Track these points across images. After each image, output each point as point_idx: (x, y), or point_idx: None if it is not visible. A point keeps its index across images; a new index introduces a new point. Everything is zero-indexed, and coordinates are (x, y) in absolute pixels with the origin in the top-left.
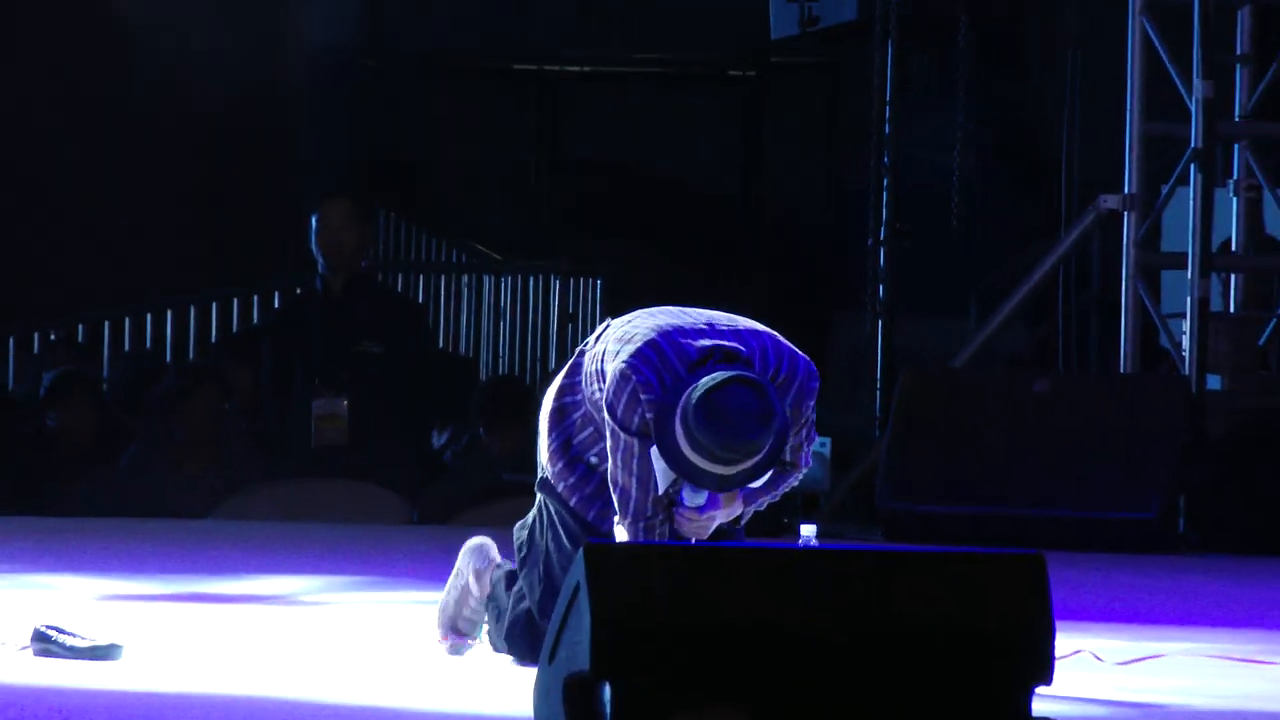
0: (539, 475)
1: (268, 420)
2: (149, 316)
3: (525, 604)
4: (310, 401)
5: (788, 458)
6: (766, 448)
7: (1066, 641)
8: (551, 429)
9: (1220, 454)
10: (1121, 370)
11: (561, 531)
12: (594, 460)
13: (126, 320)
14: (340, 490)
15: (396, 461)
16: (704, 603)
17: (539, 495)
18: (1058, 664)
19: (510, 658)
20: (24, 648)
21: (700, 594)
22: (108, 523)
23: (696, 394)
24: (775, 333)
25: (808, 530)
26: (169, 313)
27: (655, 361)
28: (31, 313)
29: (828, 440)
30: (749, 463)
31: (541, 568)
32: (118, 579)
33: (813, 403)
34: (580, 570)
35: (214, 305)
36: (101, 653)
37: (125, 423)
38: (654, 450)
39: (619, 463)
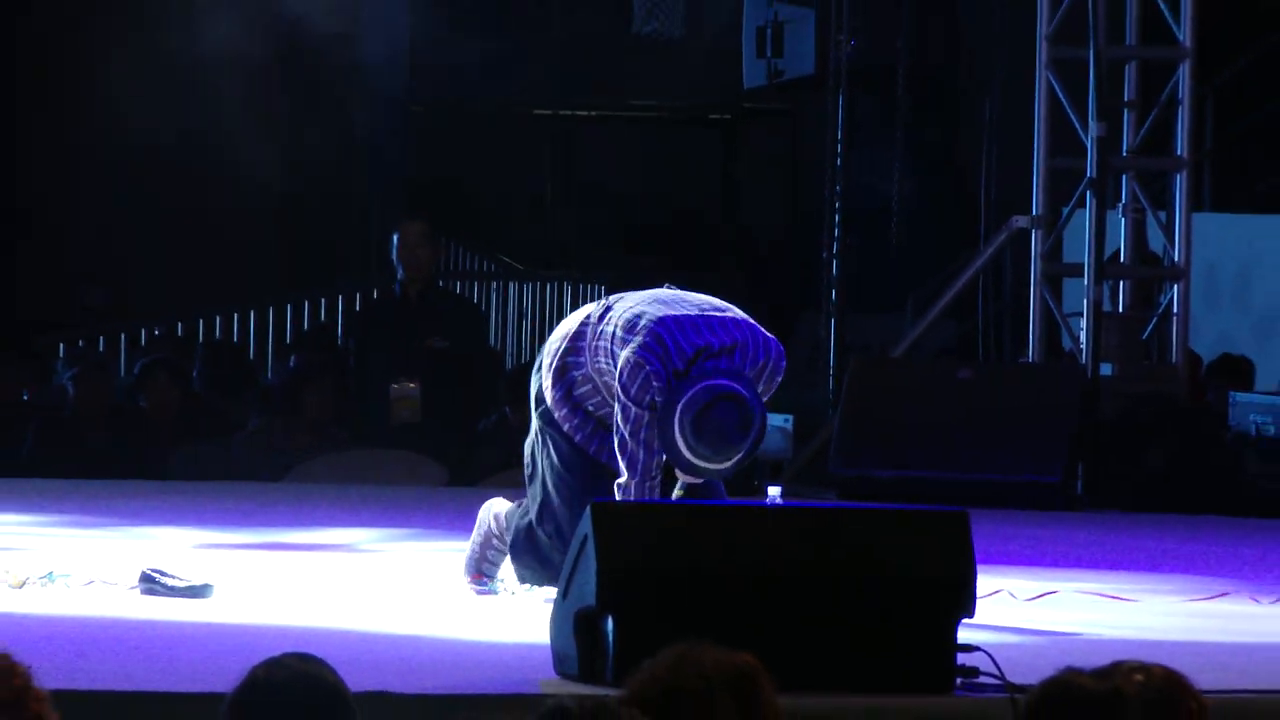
0: (541, 407)
1: (353, 402)
2: (235, 315)
3: (527, 518)
4: (388, 386)
5: None
6: (746, 447)
7: (986, 582)
8: (555, 381)
9: (1111, 429)
10: (1030, 360)
11: (555, 455)
12: (591, 408)
13: (217, 318)
14: (388, 458)
15: (449, 434)
16: (689, 550)
17: (538, 422)
18: (979, 601)
19: (523, 581)
20: (132, 587)
21: (686, 543)
22: (197, 485)
23: (692, 411)
24: (750, 319)
25: (774, 491)
26: (251, 312)
27: (660, 351)
28: (141, 312)
29: (790, 416)
30: (733, 460)
31: (539, 485)
32: (208, 530)
33: (780, 379)
34: (588, 524)
35: (289, 306)
36: (196, 591)
37: (213, 404)
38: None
39: (629, 431)
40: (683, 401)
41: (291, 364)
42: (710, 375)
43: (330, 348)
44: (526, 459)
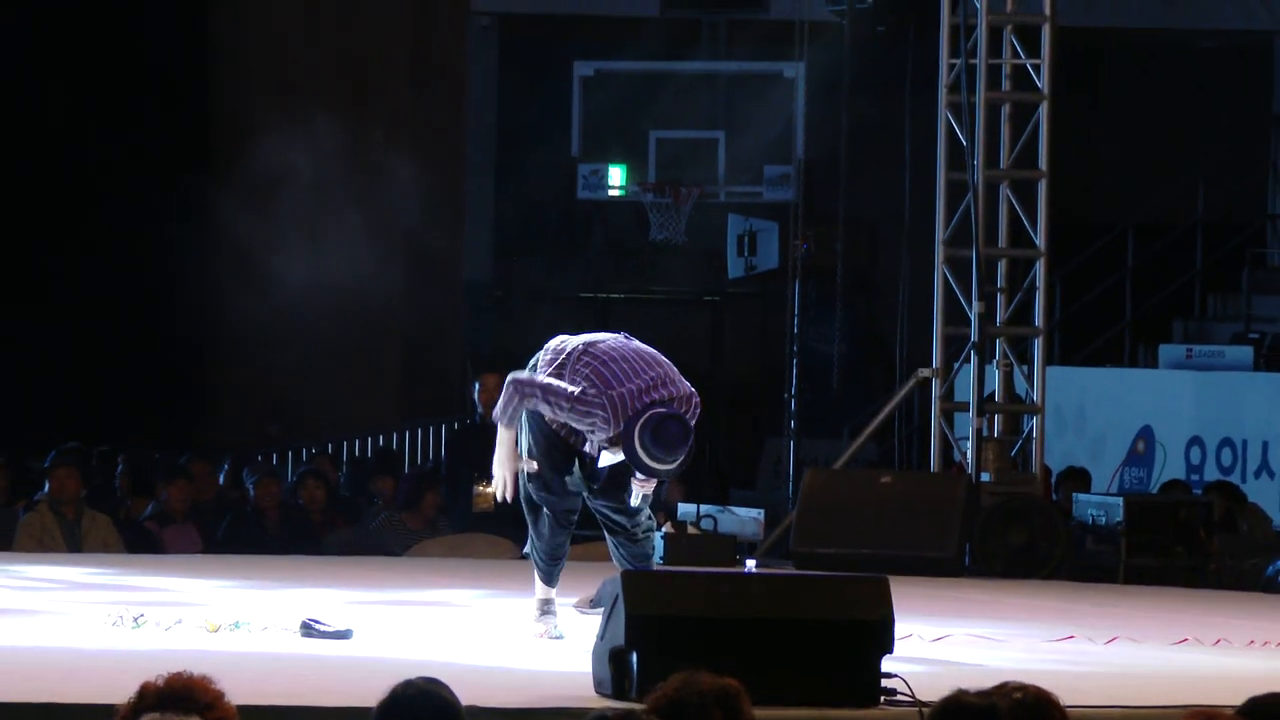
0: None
1: (450, 499)
2: (369, 437)
3: (530, 484)
4: (472, 488)
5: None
6: (685, 452)
7: (901, 628)
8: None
9: (988, 517)
10: (932, 469)
11: (535, 439)
12: (553, 429)
13: (356, 440)
14: (475, 539)
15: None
16: (691, 605)
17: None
18: (896, 640)
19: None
20: (295, 631)
21: (689, 600)
22: (342, 559)
23: (650, 427)
24: (677, 373)
25: (750, 563)
26: (380, 436)
27: (614, 413)
28: (300, 434)
29: (762, 510)
30: (677, 463)
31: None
32: (351, 590)
33: (698, 416)
34: (619, 586)
35: (408, 431)
36: (342, 634)
37: (352, 501)
38: (618, 450)
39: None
40: (641, 420)
41: (408, 472)
42: (658, 406)
43: (436, 461)
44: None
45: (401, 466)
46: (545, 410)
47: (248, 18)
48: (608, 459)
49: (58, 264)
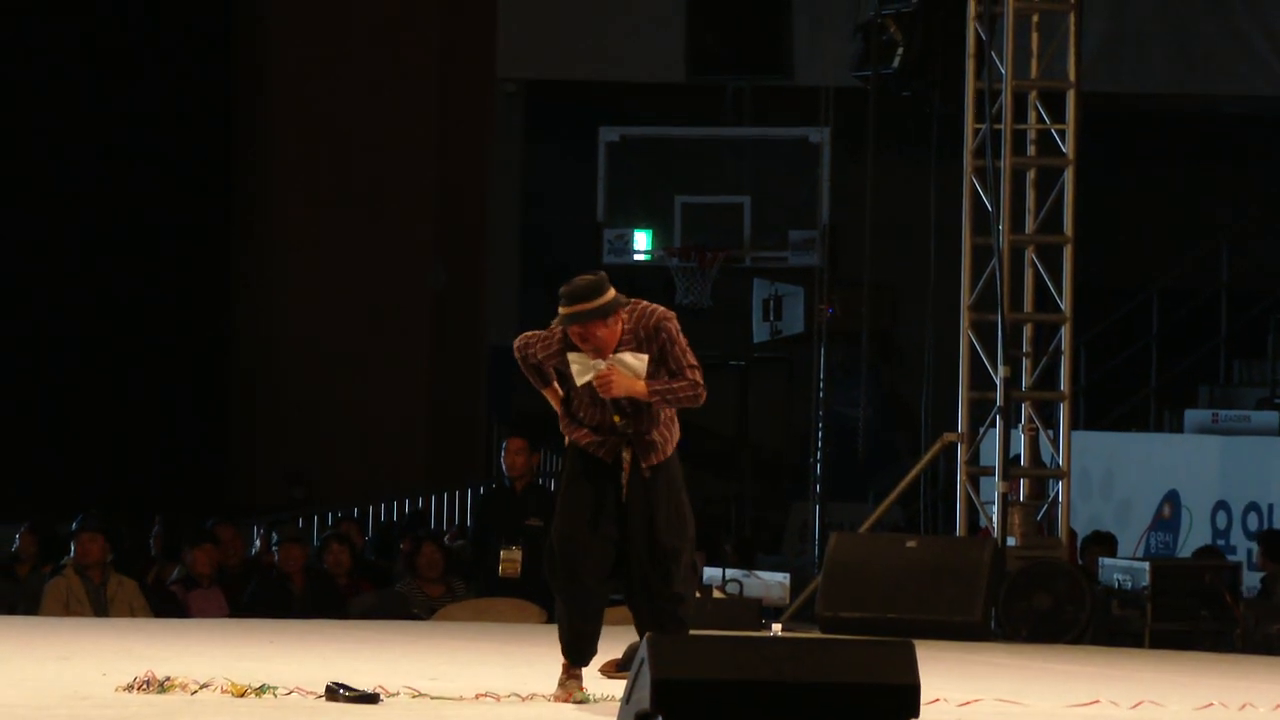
0: None
1: (474, 563)
2: (394, 502)
3: None
4: (500, 550)
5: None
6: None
7: (928, 692)
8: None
9: (1013, 582)
10: (957, 534)
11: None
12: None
13: (381, 505)
14: (503, 603)
15: (543, 586)
16: (718, 669)
17: None
18: (922, 705)
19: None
20: (320, 695)
21: (715, 664)
22: (368, 623)
23: None
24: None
25: (776, 627)
26: (407, 500)
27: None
28: (324, 502)
29: (788, 574)
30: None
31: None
32: (375, 653)
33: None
34: (645, 650)
35: (432, 495)
36: (368, 698)
37: (377, 565)
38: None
39: None
40: None
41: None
42: None
43: (462, 526)
44: None
45: (424, 531)
46: (538, 363)
47: (273, 78)
48: (577, 372)
49: (87, 330)
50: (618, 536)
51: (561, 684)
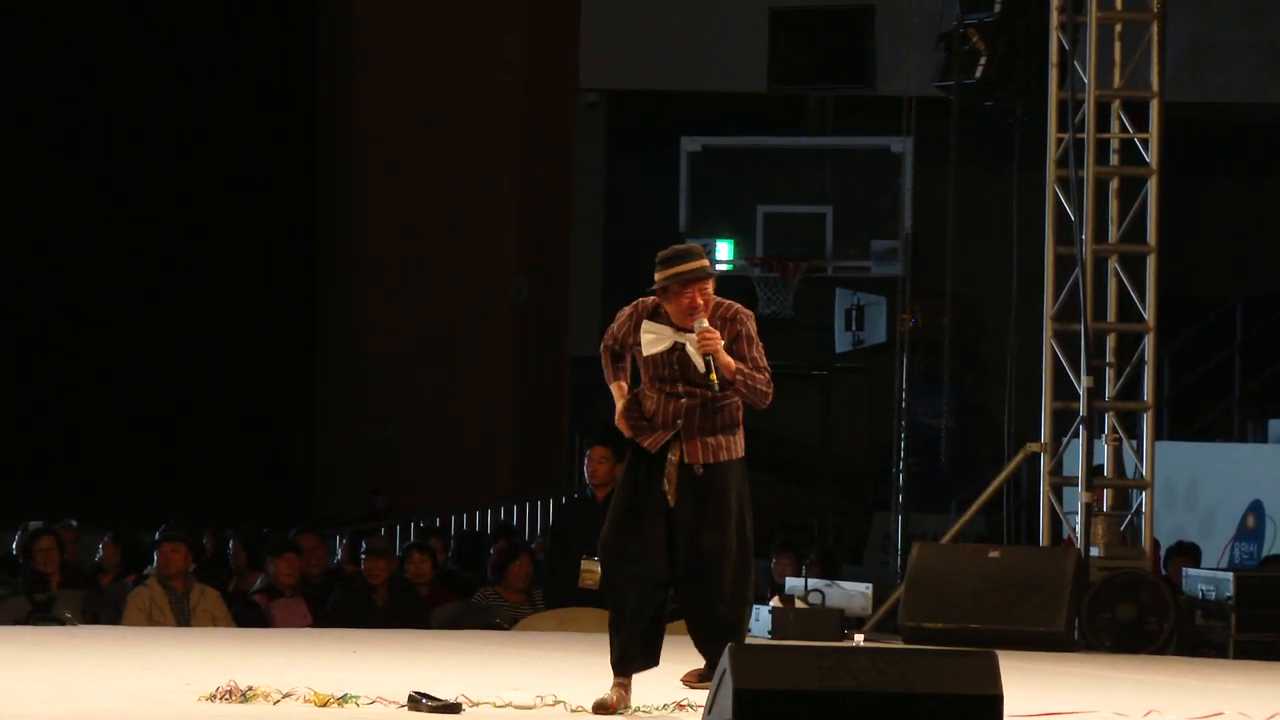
0: None
1: (553, 573)
2: (477, 512)
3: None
4: (579, 561)
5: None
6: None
7: (1011, 704)
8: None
9: (1096, 593)
10: (1040, 544)
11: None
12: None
13: (464, 514)
14: (583, 613)
15: None
16: (799, 679)
17: None
18: (1006, 717)
19: None
20: (402, 705)
21: (797, 674)
22: (450, 633)
23: None
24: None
25: (859, 637)
26: (489, 510)
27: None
28: (409, 512)
29: (870, 584)
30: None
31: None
32: (457, 663)
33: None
34: (727, 660)
35: (517, 505)
36: (450, 708)
37: (460, 575)
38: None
39: None
40: None
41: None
42: None
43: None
44: None
45: (519, 540)
46: (617, 345)
47: (355, 91)
48: (648, 341)
49: (174, 341)
50: (668, 538)
51: (604, 696)
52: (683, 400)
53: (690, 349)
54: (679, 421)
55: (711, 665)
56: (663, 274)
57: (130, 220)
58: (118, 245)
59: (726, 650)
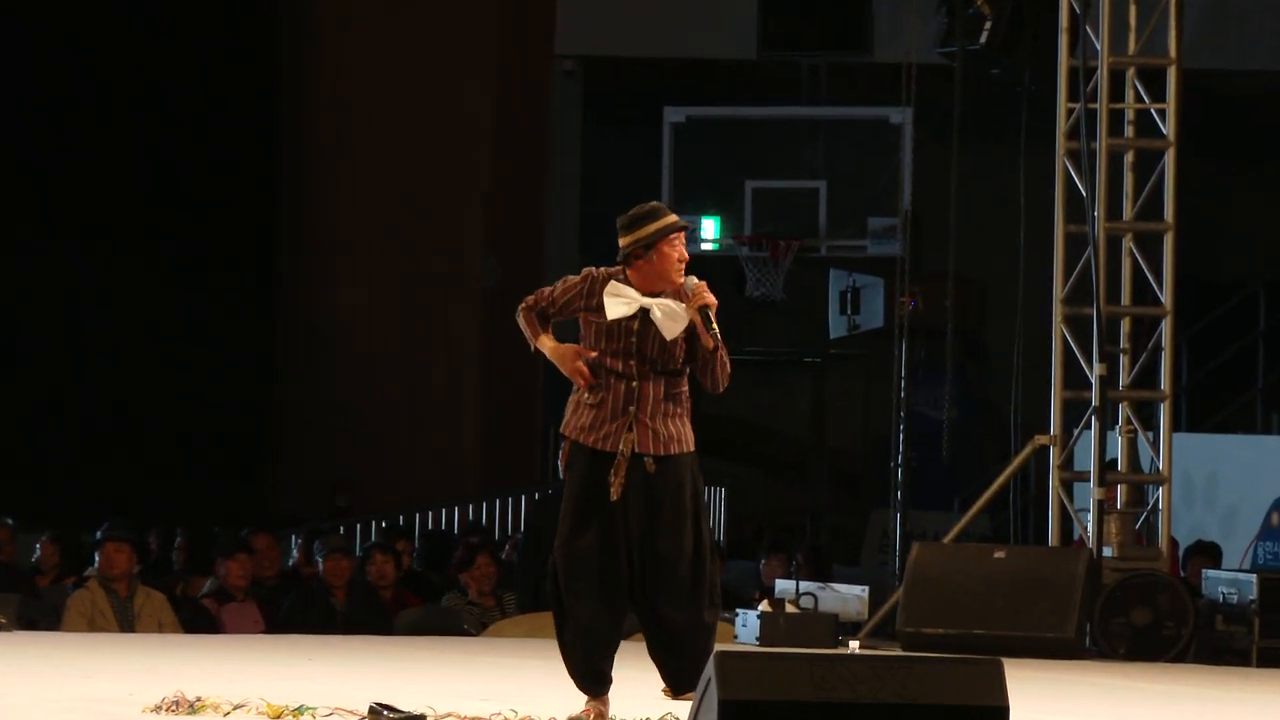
0: None
1: (522, 575)
2: (443, 510)
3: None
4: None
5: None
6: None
7: (1017, 715)
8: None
9: (1110, 596)
10: (1049, 544)
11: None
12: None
13: (430, 512)
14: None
15: None
16: (790, 689)
17: None
18: None
19: None
20: (362, 717)
21: (787, 684)
22: (414, 640)
23: None
24: None
25: (854, 644)
26: (457, 508)
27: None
28: (372, 509)
29: (866, 587)
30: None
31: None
32: (422, 672)
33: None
34: (712, 668)
35: (487, 502)
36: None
37: (425, 578)
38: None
39: None
40: None
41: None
42: None
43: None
44: None
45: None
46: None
47: (321, 56)
48: (613, 304)
49: (120, 334)
50: (624, 540)
51: (578, 715)
52: (634, 382)
53: (657, 314)
54: (631, 409)
55: (669, 678)
56: (644, 231)
57: (78, 206)
58: (64, 232)
59: (712, 658)
